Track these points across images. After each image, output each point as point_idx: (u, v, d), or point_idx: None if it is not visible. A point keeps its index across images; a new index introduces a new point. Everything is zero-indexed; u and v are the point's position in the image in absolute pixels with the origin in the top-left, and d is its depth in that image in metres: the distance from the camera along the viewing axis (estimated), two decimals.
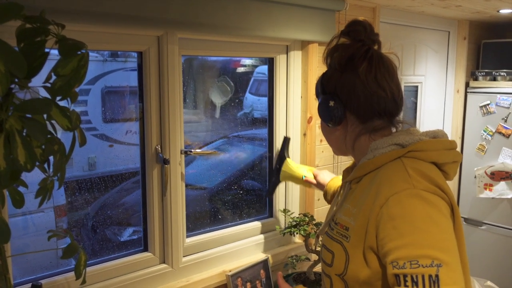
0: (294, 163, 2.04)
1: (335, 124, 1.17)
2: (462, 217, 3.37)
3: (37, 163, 1.18)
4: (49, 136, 1.21)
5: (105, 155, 2.11)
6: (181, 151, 1.92)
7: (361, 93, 1.11)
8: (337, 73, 1.15)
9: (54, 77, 1.12)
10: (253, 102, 2.64)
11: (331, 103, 1.14)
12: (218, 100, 2.40)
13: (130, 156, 2.00)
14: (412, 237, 0.91)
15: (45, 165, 1.22)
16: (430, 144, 1.09)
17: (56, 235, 1.41)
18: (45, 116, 1.13)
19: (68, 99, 1.19)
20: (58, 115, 1.16)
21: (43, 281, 1.59)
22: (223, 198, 2.40)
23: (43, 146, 1.17)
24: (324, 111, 1.17)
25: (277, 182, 2.07)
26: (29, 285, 1.54)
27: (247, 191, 2.45)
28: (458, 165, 1.16)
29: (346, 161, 2.56)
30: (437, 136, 1.14)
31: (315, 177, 1.91)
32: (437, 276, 0.85)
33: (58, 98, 1.15)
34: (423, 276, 0.86)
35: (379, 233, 0.98)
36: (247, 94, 2.65)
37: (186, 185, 2.08)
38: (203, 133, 2.46)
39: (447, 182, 1.09)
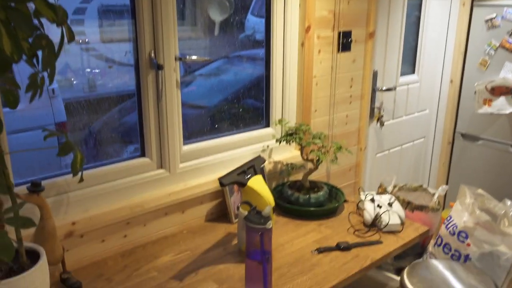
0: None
1: None
2: (459, 133, 3.40)
3: (25, 57, 1.17)
4: (38, 32, 1.20)
5: (105, 76, 2.08)
6: (175, 57, 1.89)
7: None
8: None
9: None
10: (255, 24, 2.56)
11: None
12: (217, 16, 2.32)
13: (130, 77, 1.98)
14: None
15: (34, 61, 1.21)
16: None
17: (52, 134, 1.43)
18: (31, 10, 1.10)
19: None
20: (43, 7, 1.14)
21: (43, 182, 1.63)
22: (222, 116, 2.40)
23: (30, 40, 1.16)
24: None
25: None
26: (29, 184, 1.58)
27: (246, 110, 2.45)
28: None
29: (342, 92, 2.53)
30: None
31: None
32: None
33: None
34: None
35: None
36: (249, 16, 2.56)
37: (185, 104, 2.07)
38: (202, 50, 2.40)
39: None
